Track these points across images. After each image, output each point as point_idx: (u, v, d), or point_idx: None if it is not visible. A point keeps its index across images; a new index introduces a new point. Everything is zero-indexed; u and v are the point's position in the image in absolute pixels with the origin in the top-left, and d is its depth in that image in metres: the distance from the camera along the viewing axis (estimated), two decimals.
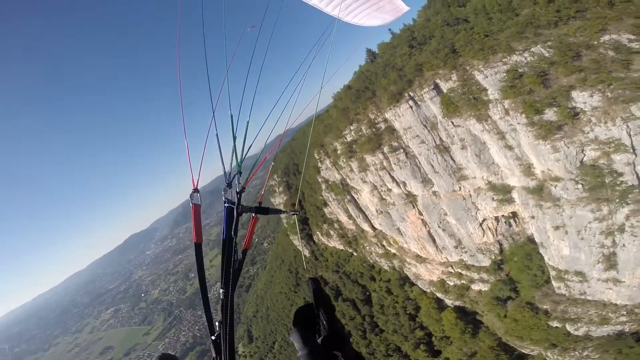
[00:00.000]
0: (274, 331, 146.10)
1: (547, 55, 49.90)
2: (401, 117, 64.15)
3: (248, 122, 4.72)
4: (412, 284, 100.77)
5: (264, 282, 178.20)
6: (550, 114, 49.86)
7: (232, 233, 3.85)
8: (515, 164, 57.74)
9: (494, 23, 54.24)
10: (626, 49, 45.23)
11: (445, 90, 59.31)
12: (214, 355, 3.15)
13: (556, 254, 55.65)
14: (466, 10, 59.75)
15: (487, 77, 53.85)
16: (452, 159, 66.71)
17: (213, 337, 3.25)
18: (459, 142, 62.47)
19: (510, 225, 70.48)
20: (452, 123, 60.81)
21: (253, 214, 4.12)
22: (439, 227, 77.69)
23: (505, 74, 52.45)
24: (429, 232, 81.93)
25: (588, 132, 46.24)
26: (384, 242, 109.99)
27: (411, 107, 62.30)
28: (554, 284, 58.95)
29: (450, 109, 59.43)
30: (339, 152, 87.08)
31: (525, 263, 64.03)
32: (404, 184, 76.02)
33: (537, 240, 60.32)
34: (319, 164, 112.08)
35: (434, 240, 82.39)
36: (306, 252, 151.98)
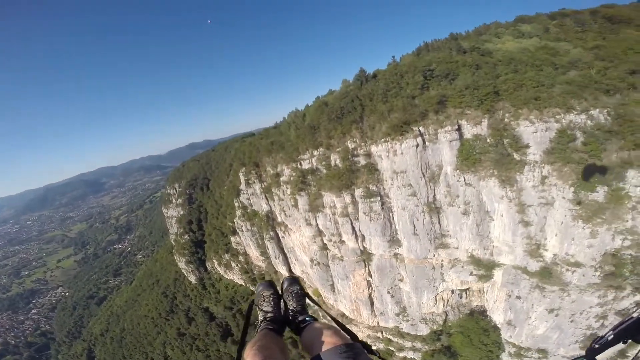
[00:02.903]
0: (128, 357, 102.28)
1: (603, 121, 36.62)
2: (398, 155, 42.73)
3: None
4: None
5: (125, 300, 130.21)
6: (600, 194, 35.83)
7: None
8: (523, 242, 42.20)
9: (544, 75, 39.04)
10: None
11: (469, 136, 40.62)
12: None
13: (527, 333, 47.63)
14: (494, 58, 44.40)
15: (536, 132, 37.08)
16: (439, 222, 48.35)
17: None
18: (462, 206, 43.81)
19: (460, 297, 56.62)
20: (464, 179, 42.44)
21: None
22: (388, 292, 57.93)
23: (556, 133, 37.35)
24: (370, 295, 61.47)
25: (627, 221, 34.98)
26: None
27: (417, 145, 41.76)
28: None
29: (469, 160, 40.69)
30: (284, 178, 60.29)
31: (481, 339, 53.17)
32: (363, 239, 54.12)
33: (501, 318, 51.00)
34: (243, 186, 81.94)
35: (372, 304, 62.27)
36: (192, 278, 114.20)
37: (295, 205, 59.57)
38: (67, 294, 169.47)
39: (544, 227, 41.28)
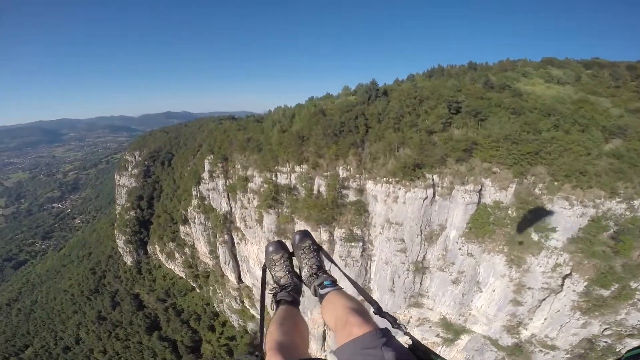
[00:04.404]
0: (33, 334, 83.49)
1: None
2: (399, 203, 32.74)
3: None
4: None
5: (47, 268, 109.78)
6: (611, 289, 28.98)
7: None
8: (504, 318, 34.76)
9: (590, 140, 30.80)
10: None
11: (489, 201, 31.56)
12: None
13: None
14: (528, 103, 35.34)
15: (570, 217, 29.25)
16: (421, 282, 39.28)
17: None
18: (454, 274, 35.01)
19: None
20: (467, 249, 33.53)
21: None
22: None
23: (589, 221, 29.60)
24: (324, 332, 52.13)
25: (621, 314, 30.02)
26: (247, 301, 73.33)
27: (426, 198, 32.02)
28: None
29: (481, 230, 32.01)
30: (253, 186, 48.10)
31: None
32: None
33: None
34: (205, 176, 68.47)
35: (324, 340, 53.03)
36: (129, 260, 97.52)
37: (260, 221, 47.85)
38: None
39: (534, 309, 34.08)
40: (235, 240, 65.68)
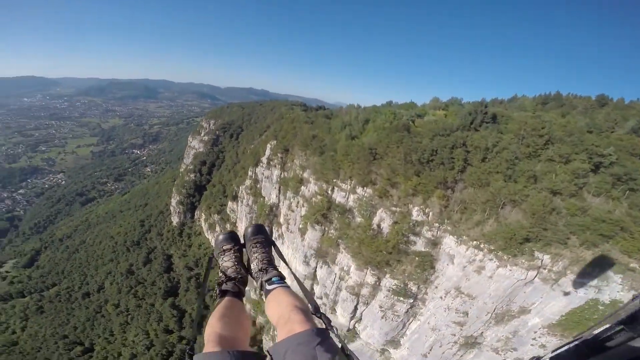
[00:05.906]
0: (66, 273, 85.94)
1: None
2: (482, 275, 24.28)
3: None
4: None
5: (107, 210, 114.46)
6: None
7: None
8: None
9: None
10: None
11: (605, 299, 20.74)
12: None
13: None
14: None
15: None
16: (462, 356, 30.47)
17: None
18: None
19: None
20: (544, 340, 23.70)
21: None
22: None
23: None
24: None
25: None
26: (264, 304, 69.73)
27: (523, 280, 23.13)
28: None
29: (574, 325, 22.35)
30: (305, 191, 42.91)
31: None
32: (359, 321, 36.73)
33: None
34: (264, 161, 65.48)
35: None
36: (175, 220, 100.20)
37: (302, 231, 42.29)
38: (63, 182, 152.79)
39: None
40: (274, 235, 61.57)
